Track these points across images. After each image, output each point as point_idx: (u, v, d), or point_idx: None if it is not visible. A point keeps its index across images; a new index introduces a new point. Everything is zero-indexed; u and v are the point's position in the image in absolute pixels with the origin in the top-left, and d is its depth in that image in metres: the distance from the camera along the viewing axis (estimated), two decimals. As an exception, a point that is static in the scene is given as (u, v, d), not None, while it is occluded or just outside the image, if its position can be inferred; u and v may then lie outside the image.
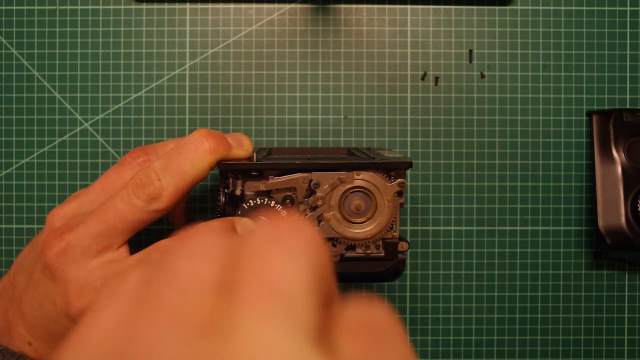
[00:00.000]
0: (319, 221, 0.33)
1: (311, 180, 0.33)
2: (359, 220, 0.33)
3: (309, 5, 0.44)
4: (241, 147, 0.34)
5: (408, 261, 0.44)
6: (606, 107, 0.44)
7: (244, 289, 0.12)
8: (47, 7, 0.44)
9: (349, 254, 0.34)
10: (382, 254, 0.34)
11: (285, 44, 0.44)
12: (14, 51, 0.44)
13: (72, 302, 0.30)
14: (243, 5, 0.44)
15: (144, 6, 0.44)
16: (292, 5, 0.44)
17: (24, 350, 0.32)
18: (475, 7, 0.44)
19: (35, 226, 0.44)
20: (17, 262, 0.34)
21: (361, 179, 0.33)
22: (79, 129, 0.44)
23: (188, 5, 0.44)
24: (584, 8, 0.44)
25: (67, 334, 0.32)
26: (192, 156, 0.31)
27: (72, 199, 0.33)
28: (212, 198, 0.45)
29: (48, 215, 0.33)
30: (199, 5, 0.44)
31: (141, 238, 0.44)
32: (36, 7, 0.44)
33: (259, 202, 0.33)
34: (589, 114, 0.44)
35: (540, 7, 0.44)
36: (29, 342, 0.32)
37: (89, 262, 0.30)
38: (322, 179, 0.33)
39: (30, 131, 0.44)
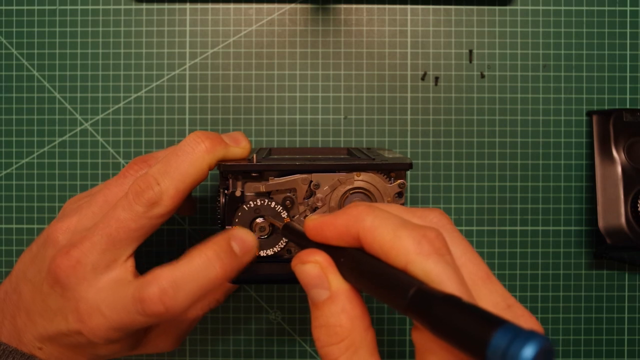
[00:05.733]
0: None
1: (311, 182, 0.33)
2: (359, 221, 0.33)
3: (309, 5, 0.44)
4: (238, 145, 0.34)
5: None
6: (606, 107, 0.44)
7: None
8: (47, 7, 0.44)
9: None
10: None
11: (285, 44, 0.44)
12: (14, 51, 0.44)
13: (85, 322, 0.30)
14: (243, 5, 0.44)
15: (144, 6, 0.44)
16: (292, 5, 0.44)
17: (35, 353, 0.32)
18: (475, 7, 0.44)
19: (35, 226, 0.44)
20: (19, 270, 0.34)
21: (361, 180, 0.33)
22: (79, 129, 0.44)
23: (188, 5, 0.44)
24: (584, 8, 0.44)
25: (80, 347, 0.32)
26: (190, 158, 0.31)
27: (73, 212, 0.33)
28: (212, 199, 0.45)
29: (50, 230, 0.32)
30: (199, 5, 0.44)
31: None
32: (36, 7, 0.44)
33: (259, 203, 0.33)
34: (589, 114, 0.44)
35: (540, 7, 0.44)
36: (39, 347, 0.32)
37: (99, 279, 0.30)
38: (322, 180, 0.33)
39: (30, 131, 0.44)
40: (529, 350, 0.16)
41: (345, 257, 0.24)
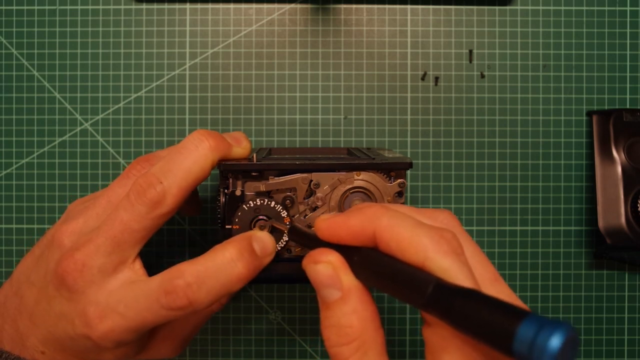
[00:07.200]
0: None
1: (311, 181, 0.33)
2: (359, 220, 0.33)
3: (309, 5, 0.44)
4: (239, 145, 0.34)
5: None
6: (606, 107, 0.44)
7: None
8: (47, 7, 0.44)
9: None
10: None
11: (285, 44, 0.44)
12: (14, 51, 0.44)
13: (93, 326, 0.29)
14: (243, 5, 0.44)
15: (144, 6, 0.44)
16: (292, 5, 0.44)
17: (37, 358, 0.32)
18: (475, 7, 0.44)
19: (35, 226, 0.44)
20: (21, 273, 0.33)
21: (361, 179, 0.33)
22: (79, 129, 0.44)
23: (188, 5, 0.44)
24: (584, 8, 0.44)
25: (85, 351, 0.31)
26: (193, 155, 0.31)
27: (78, 214, 0.32)
28: (212, 198, 0.45)
29: (55, 233, 0.32)
30: (199, 5, 0.44)
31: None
32: (36, 7, 0.44)
33: (259, 203, 0.33)
34: (589, 114, 0.44)
35: (540, 7, 0.44)
36: (42, 351, 0.31)
37: (107, 282, 0.30)
38: (322, 180, 0.33)
39: (30, 131, 0.44)
40: (556, 340, 0.16)
41: (358, 256, 0.24)
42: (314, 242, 0.27)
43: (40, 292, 0.31)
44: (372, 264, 0.23)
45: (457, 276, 0.21)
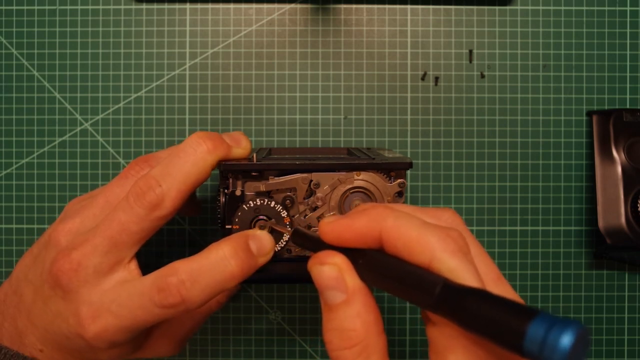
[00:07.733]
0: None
1: (311, 181, 0.33)
2: (359, 220, 0.33)
3: (309, 5, 0.44)
4: (239, 145, 0.33)
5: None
6: (606, 107, 0.44)
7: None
8: (47, 7, 0.44)
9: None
10: None
11: (285, 44, 0.44)
12: (14, 51, 0.44)
13: (86, 326, 0.29)
14: (243, 5, 0.44)
15: (144, 6, 0.44)
16: (292, 5, 0.44)
17: (36, 356, 0.32)
18: (475, 7, 0.44)
19: (35, 226, 0.44)
20: (20, 271, 0.33)
21: (361, 179, 0.33)
22: (79, 129, 0.44)
23: (188, 5, 0.44)
24: (584, 8, 0.44)
25: (81, 350, 0.31)
26: (192, 158, 0.31)
27: (75, 213, 0.32)
28: (212, 198, 0.45)
29: (52, 232, 0.32)
30: (199, 5, 0.44)
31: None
32: (36, 7, 0.44)
33: (259, 203, 0.33)
34: (589, 114, 0.44)
35: (540, 7, 0.44)
36: (41, 349, 0.32)
37: (102, 282, 0.30)
38: (322, 180, 0.33)
39: (30, 131, 0.44)
40: (567, 338, 0.16)
41: (364, 259, 0.24)
42: (318, 245, 0.26)
43: (37, 291, 0.31)
44: (378, 266, 0.23)
45: (464, 276, 0.21)
